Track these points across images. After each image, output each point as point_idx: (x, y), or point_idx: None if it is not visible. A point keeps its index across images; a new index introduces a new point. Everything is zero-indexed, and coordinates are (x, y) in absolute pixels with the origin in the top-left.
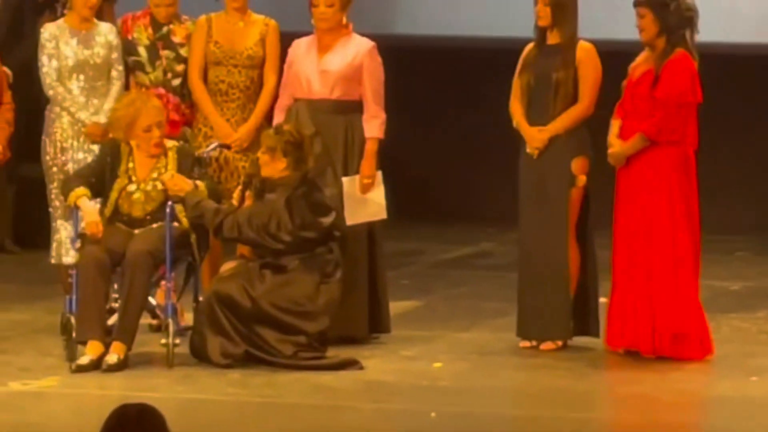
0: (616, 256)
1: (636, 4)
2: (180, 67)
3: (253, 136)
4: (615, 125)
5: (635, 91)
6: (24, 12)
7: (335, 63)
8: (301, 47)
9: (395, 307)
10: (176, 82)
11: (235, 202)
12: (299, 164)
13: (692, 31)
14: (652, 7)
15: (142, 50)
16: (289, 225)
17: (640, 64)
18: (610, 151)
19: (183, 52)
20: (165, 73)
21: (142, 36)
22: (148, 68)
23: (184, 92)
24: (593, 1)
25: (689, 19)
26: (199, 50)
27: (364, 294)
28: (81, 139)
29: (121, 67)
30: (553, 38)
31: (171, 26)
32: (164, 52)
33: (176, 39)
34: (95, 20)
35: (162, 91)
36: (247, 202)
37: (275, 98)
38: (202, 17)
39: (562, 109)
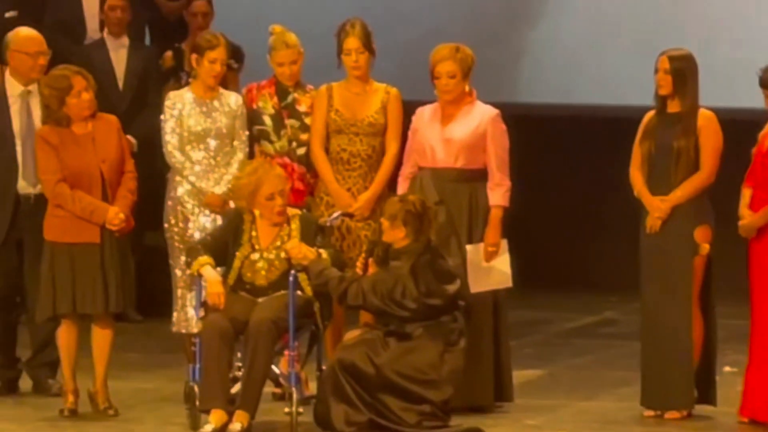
0: (755, 327)
1: (763, 86)
2: (305, 136)
3: (374, 204)
4: (746, 195)
5: (765, 161)
6: (148, 80)
7: (459, 132)
8: (425, 115)
9: (519, 376)
10: (301, 151)
11: (358, 270)
12: (418, 235)
13: None
14: None
15: (267, 119)
16: (414, 292)
17: None
18: (740, 222)
19: (308, 121)
20: (290, 142)
21: (267, 105)
22: (273, 137)
23: (309, 161)
24: (713, 69)
25: None
26: (320, 119)
27: (489, 363)
28: (203, 208)
29: (244, 137)
30: (673, 106)
31: (296, 95)
32: (289, 121)
33: (301, 108)
34: (220, 89)
35: (287, 160)
36: (370, 270)
37: (396, 167)
38: (323, 86)
39: (683, 178)
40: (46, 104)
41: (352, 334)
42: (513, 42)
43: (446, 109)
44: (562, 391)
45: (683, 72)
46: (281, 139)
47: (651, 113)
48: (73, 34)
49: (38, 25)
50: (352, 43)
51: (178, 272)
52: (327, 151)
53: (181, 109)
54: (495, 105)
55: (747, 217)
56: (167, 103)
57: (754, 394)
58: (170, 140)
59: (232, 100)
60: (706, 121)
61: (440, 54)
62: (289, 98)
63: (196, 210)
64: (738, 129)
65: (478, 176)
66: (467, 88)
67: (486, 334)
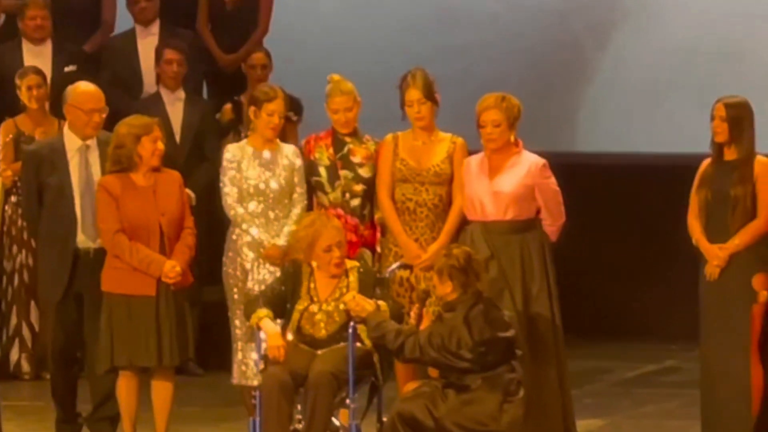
0: None
1: None
2: (358, 188)
3: None
4: None
5: None
6: (205, 134)
7: (507, 184)
8: (471, 167)
9: (580, 425)
10: (355, 202)
11: (412, 320)
12: (465, 288)
13: None
14: None
15: (322, 170)
16: (469, 341)
17: None
18: None
19: (362, 172)
20: (343, 193)
21: (323, 156)
22: (328, 188)
23: (363, 213)
24: None
25: None
26: (386, 168)
27: (557, 412)
28: (262, 260)
29: (302, 189)
30: (730, 154)
31: (351, 146)
32: (343, 172)
33: (355, 159)
34: (278, 141)
35: (340, 212)
36: (424, 320)
37: (463, 217)
38: (389, 136)
39: (741, 226)
40: (120, 144)
41: (412, 385)
42: (570, 95)
43: (493, 161)
44: None
45: (739, 119)
46: (335, 190)
47: (707, 161)
48: (130, 89)
49: (96, 80)
50: (414, 94)
51: (238, 324)
52: (392, 200)
53: (239, 162)
54: (552, 155)
55: None
56: (226, 156)
57: None
58: (229, 193)
59: (290, 152)
60: (762, 168)
61: (486, 103)
62: (345, 149)
63: (256, 262)
64: None
65: (529, 226)
66: (513, 139)
67: (551, 384)
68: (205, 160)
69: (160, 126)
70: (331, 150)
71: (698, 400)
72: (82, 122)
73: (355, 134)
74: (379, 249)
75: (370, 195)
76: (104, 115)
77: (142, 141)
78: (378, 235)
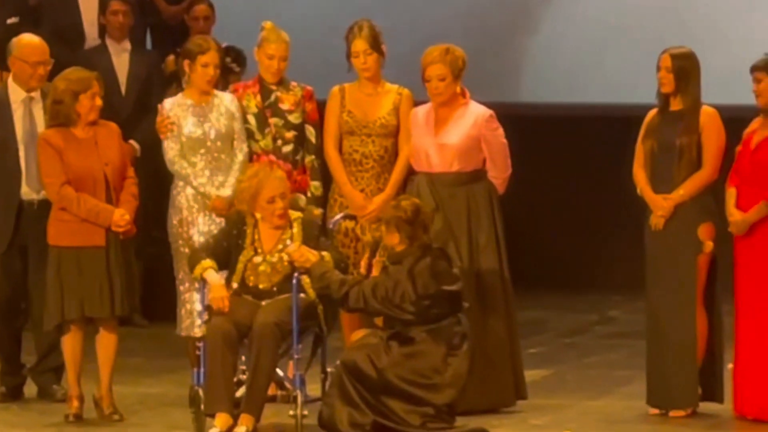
0: (740, 323)
1: (752, 70)
2: (290, 134)
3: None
4: (731, 195)
5: (754, 158)
6: (151, 85)
7: (453, 137)
8: (418, 118)
9: (525, 376)
10: (287, 148)
11: (362, 269)
12: (412, 240)
13: None
14: None
15: (251, 118)
16: (413, 295)
17: (756, 130)
18: (731, 219)
19: (291, 118)
20: (274, 140)
21: (251, 104)
22: (258, 136)
23: (296, 159)
24: (715, 66)
25: None
26: (333, 120)
27: (507, 363)
28: (206, 212)
29: (243, 136)
30: (676, 104)
31: (278, 93)
32: (272, 120)
33: (284, 106)
34: (214, 91)
35: (272, 158)
36: (374, 270)
37: (410, 167)
38: (336, 87)
39: (686, 176)
40: (59, 100)
41: (358, 334)
42: (516, 47)
43: (439, 113)
44: (568, 390)
45: (685, 70)
46: (265, 137)
47: (653, 111)
48: (72, 42)
49: (38, 32)
50: (360, 45)
51: (182, 276)
52: (340, 152)
53: (177, 115)
54: (498, 105)
55: (737, 215)
56: (164, 109)
57: (743, 391)
58: (170, 146)
59: (228, 100)
60: (708, 118)
61: (430, 57)
62: (272, 97)
63: (200, 215)
64: (741, 127)
65: (475, 178)
66: (459, 89)
67: (500, 335)
68: (151, 111)
69: (99, 80)
70: (258, 98)
71: (642, 350)
72: (26, 74)
73: (281, 83)
74: (309, 194)
75: (301, 141)
76: (48, 68)
77: (80, 99)
78: (309, 180)
